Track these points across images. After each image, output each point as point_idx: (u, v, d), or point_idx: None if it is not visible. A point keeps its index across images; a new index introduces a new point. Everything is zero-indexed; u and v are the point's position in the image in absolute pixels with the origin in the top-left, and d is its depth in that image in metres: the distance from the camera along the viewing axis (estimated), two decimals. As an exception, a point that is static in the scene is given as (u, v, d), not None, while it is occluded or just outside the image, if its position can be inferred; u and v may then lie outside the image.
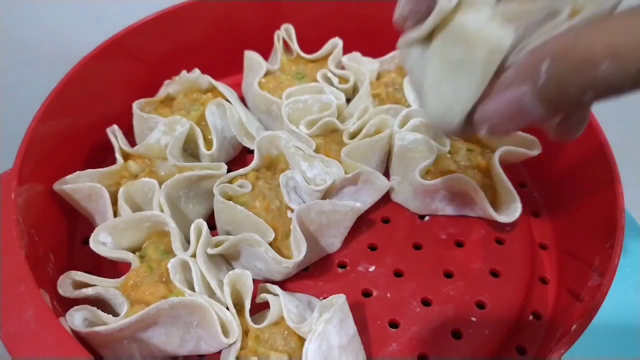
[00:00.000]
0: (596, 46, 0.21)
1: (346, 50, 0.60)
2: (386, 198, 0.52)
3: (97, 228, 0.43)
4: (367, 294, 0.46)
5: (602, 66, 0.21)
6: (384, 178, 0.49)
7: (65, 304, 0.39)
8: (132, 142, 0.52)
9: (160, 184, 0.46)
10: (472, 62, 0.26)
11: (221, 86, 0.54)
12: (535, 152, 0.49)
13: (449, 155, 0.49)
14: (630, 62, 0.20)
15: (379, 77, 0.60)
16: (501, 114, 0.25)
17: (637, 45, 0.20)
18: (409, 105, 0.55)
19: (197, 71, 0.55)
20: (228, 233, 0.46)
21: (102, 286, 0.41)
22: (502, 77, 0.25)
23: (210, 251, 0.42)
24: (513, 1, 0.27)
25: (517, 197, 0.48)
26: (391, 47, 0.60)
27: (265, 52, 0.60)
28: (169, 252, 0.42)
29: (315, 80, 0.57)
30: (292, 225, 0.42)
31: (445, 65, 0.28)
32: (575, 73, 0.22)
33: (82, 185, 0.46)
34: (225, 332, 0.38)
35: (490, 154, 0.50)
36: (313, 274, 0.47)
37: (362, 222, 0.50)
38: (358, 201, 0.46)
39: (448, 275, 0.48)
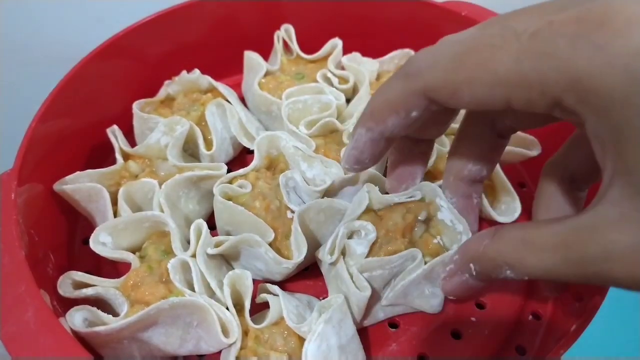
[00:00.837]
0: (496, 257, 0.29)
1: (346, 50, 0.60)
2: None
3: (97, 228, 0.43)
4: (366, 294, 0.46)
5: (505, 270, 0.29)
6: (384, 178, 0.49)
7: (65, 304, 0.39)
8: (132, 143, 0.52)
9: (160, 184, 0.46)
10: (350, 299, 0.40)
11: (221, 86, 0.54)
12: (534, 152, 0.49)
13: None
14: (519, 271, 0.28)
15: (378, 77, 0.60)
16: (457, 290, 0.35)
17: (520, 258, 0.28)
18: (408, 106, 0.55)
19: (197, 71, 0.55)
20: (228, 233, 0.46)
21: (102, 286, 0.41)
22: (449, 268, 0.35)
23: (210, 251, 0.42)
24: (379, 253, 0.40)
25: (517, 197, 0.48)
26: (391, 47, 0.61)
27: (265, 52, 0.60)
28: (169, 252, 0.43)
29: (315, 81, 0.57)
30: (293, 226, 0.42)
31: (339, 291, 0.41)
32: (492, 269, 0.30)
33: (82, 185, 0.46)
34: (225, 332, 0.38)
35: None
36: (313, 274, 0.47)
37: (362, 222, 0.50)
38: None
39: (448, 275, 0.48)
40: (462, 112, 0.40)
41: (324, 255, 0.41)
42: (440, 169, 0.48)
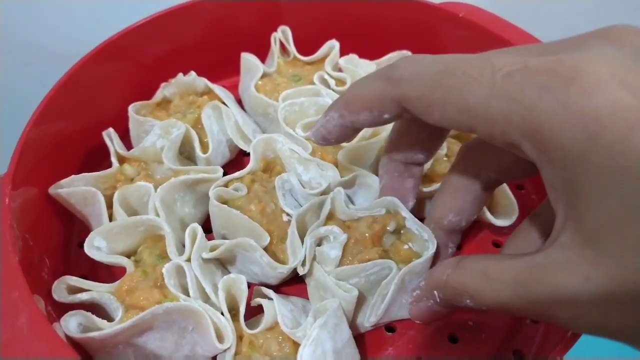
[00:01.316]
0: (457, 286, 0.31)
1: (343, 52, 0.60)
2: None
3: (91, 232, 0.42)
4: (363, 297, 0.46)
5: (465, 299, 0.31)
6: (377, 178, 0.48)
7: (60, 309, 0.39)
8: (127, 146, 0.52)
9: (156, 187, 0.45)
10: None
11: (217, 89, 0.54)
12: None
13: (445, 159, 0.49)
14: (478, 302, 0.30)
15: (376, 79, 0.60)
16: (423, 315, 0.37)
17: (479, 289, 0.30)
18: (405, 108, 0.54)
19: (193, 73, 0.55)
20: (223, 237, 0.46)
21: (97, 291, 0.40)
22: (415, 293, 0.37)
23: (205, 255, 0.42)
24: (352, 262, 0.41)
25: (514, 201, 0.47)
26: (388, 49, 0.60)
27: (262, 54, 0.60)
28: (164, 257, 0.42)
29: (312, 83, 0.56)
30: (289, 229, 0.42)
31: (322, 299, 0.41)
32: (453, 298, 0.32)
33: (77, 189, 0.45)
34: (220, 338, 0.38)
35: None
36: (309, 278, 0.47)
37: (359, 225, 0.50)
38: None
39: (445, 278, 0.48)
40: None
41: (298, 267, 0.41)
42: (438, 172, 0.48)
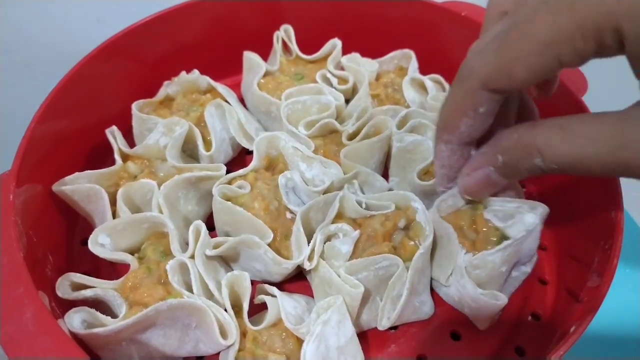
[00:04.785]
0: (530, 143, 0.31)
1: (345, 50, 0.60)
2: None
3: (95, 229, 0.43)
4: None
5: (535, 159, 0.31)
6: (382, 179, 0.49)
7: (64, 306, 0.39)
8: (131, 143, 0.52)
9: (160, 185, 0.45)
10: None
11: (220, 87, 0.54)
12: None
13: None
14: (549, 158, 0.31)
15: (378, 77, 0.60)
16: (478, 185, 0.36)
17: (554, 149, 0.30)
18: (407, 106, 0.55)
19: (196, 72, 0.55)
20: (227, 234, 0.46)
21: (101, 288, 0.40)
22: (472, 159, 0.36)
23: (209, 252, 0.42)
24: (362, 256, 0.41)
25: (521, 190, 0.48)
26: (390, 47, 0.61)
27: (265, 52, 0.60)
28: (168, 254, 0.42)
29: (315, 81, 0.57)
30: (294, 226, 0.42)
31: (326, 295, 0.41)
32: (521, 159, 0.32)
33: (81, 186, 0.45)
34: (224, 334, 0.38)
35: None
36: (312, 275, 0.47)
37: (361, 222, 0.50)
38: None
39: (447, 276, 0.48)
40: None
41: (303, 261, 0.41)
42: None
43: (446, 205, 0.43)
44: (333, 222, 0.43)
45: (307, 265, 0.41)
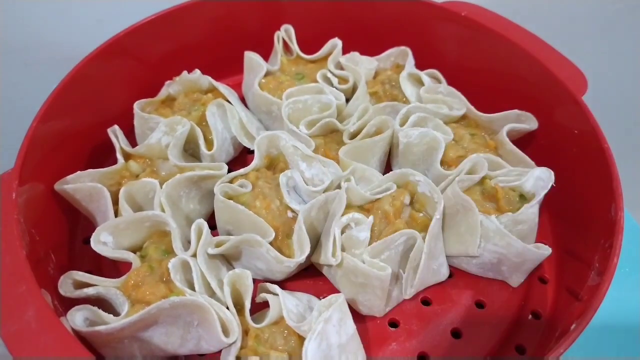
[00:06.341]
0: None
1: (345, 50, 0.60)
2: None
3: (98, 228, 0.43)
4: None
5: None
6: (379, 174, 0.49)
7: (66, 304, 0.39)
8: (133, 142, 0.52)
9: (161, 184, 0.46)
10: (372, 285, 0.41)
11: (222, 87, 0.54)
12: (533, 125, 0.52)
13: (453, 142, 0.50)
14: None
15: (375, 75, 0.60)
16: None
17: None
18: (405, 101, 0.55)
19: (197, 72, 0.55)
20: (228, 233, 0.46)
21: (103, 286, 0.41)
22: None
23: (210, 251, 0.42)
24: (380, 238, 0.42)
25: (533, 163, 0.49)
26: (387, 45, 0.61)
27: (265, 52, 0.61)
28: (170, 252, 0.43)
29: (315, 81, 0.57)
30: (296, 225, 0.43)
31: (354, 285, 0.42)
32: None
33: (83, 185, 0.46)
34: (226, 332, 0.38)
35: (492, 135, 0.53)
36: (313, 274, 0.47)
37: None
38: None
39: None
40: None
41: (327, 259, 0.42)
42: (451, 156, 0.49)
43: (462, 185, 0.45)
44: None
45: (332, 262, 0.42)
